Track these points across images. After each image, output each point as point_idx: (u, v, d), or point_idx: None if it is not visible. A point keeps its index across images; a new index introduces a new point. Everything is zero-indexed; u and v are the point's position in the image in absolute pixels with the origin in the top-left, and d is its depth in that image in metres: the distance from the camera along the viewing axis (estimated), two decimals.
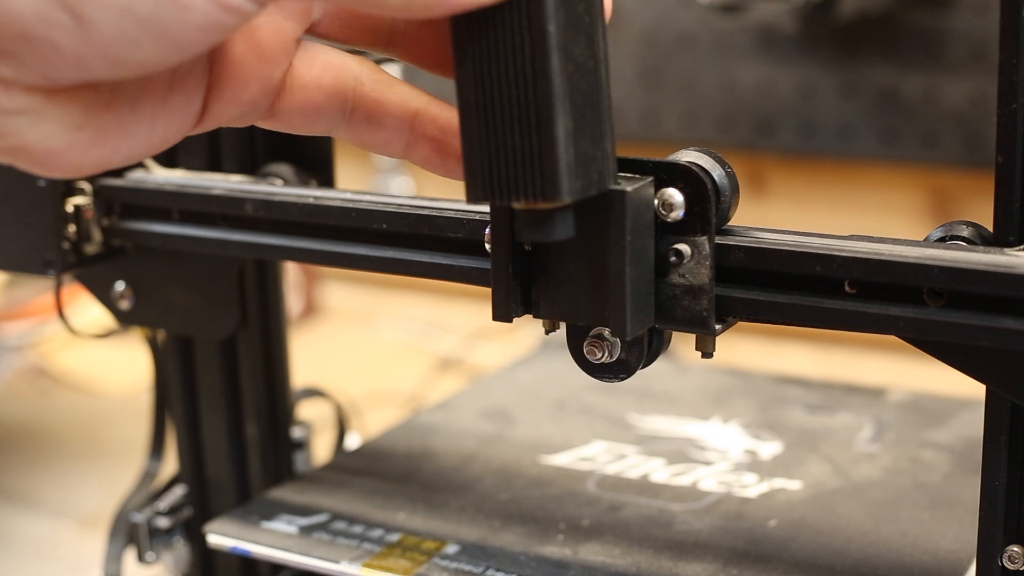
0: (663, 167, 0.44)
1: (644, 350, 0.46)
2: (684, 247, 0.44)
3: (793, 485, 0.63)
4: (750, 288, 0.46)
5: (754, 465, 0.65)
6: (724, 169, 0.45)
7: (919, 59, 1.06)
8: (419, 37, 0.43)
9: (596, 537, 0.57)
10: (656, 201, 0.44)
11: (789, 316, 0.45)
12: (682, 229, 0.44)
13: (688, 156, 0.45)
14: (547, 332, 0.48)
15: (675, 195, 0.44)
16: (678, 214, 0.44)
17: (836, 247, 0.44)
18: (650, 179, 0.44)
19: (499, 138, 0.40)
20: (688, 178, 0.44)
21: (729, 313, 0.46)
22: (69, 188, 0.59)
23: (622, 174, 0.44)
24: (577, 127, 0.40)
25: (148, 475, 0.68)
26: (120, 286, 0.63)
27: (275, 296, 0.64)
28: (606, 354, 0.47)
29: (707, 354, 0.47)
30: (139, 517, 0.65)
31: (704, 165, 0.45)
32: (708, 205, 0.44)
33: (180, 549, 0.67)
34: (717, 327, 0.45)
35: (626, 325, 0.43)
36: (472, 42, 0.40)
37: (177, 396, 0.66)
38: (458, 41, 0.41)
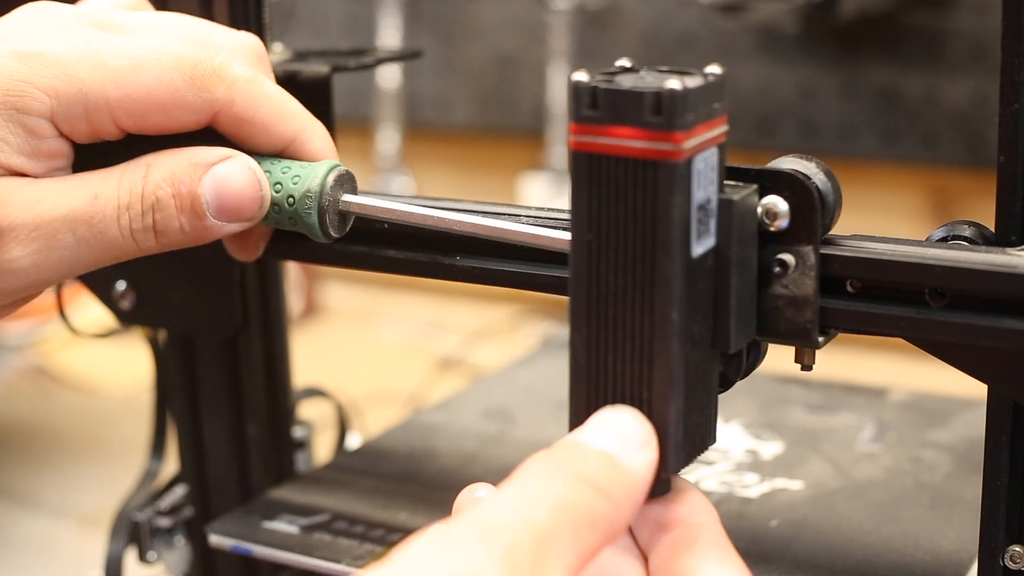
0: (766, 175, 0.42)
1: (743, 362, 0.45)
2: (788, 257, 0.43)
3: (794, 485, 0.62)
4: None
5: (755, 465, 0.65)
6: (827, 175, 0.44)
7: (920, 59, 1.06)
8: None
9: None
10: (759, 210, 0.43)
11: None
12: (786, 239, 0.43)
13: (789, 163, 0.44)
14: None
15: (779, 203, 0.42)
16: (782, 223, 0.42)
17: (838, 247, 0.44)
18: (754, 187, 0.42)
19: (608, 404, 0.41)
20: (793, 186, 0.42)
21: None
22: None
23: (727, 182, 0.42)
24: (688, 403, 0.41)
25: (149, 475, 0.68)
26: (121, 286, 0.63)
27: (276, 296, 0.64)
28: None
29: (806, 367, 0.46)
30: (140, 516, 0.65)
31: (807, 172, 0.43)
32: (814, 214, 0.42)
33: (181, 549, 0.66)
34: (820, 339, 0.44)
35: (730, 338, 0.42)
36: (592, 309, 0.40)
37: (178, 396, 0.65)
38: (576, 305, 0.40)
